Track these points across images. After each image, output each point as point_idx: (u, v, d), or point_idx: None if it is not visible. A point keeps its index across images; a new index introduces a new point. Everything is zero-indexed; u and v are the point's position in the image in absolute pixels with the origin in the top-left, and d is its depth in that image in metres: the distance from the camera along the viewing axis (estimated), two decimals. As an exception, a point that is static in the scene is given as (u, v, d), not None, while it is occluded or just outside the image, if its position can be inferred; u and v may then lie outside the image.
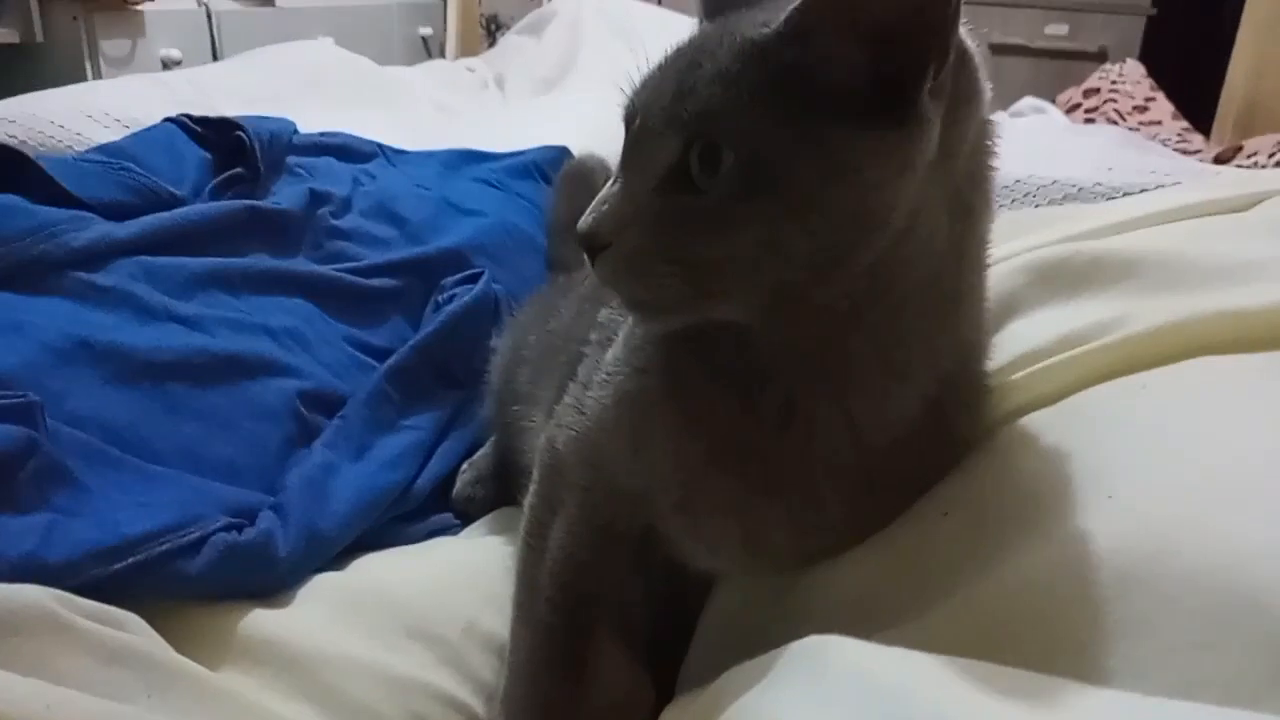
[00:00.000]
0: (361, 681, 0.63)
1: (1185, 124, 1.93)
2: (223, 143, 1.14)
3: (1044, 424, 0.53)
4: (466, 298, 1.01)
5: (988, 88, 0.49)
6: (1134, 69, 2.11)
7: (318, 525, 0.72)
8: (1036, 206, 1.04)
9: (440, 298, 1.04)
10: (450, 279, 1.06)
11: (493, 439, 0.92)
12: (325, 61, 1.94)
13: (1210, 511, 0.40)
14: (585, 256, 0.49)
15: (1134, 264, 0.61)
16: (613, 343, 0.59)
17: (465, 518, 0.88)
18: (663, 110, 0.46)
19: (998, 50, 2.86)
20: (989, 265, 0.54)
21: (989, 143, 0.51)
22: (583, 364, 0.62)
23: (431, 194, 1.23)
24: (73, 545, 0.59)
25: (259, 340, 0.87)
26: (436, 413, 0.92)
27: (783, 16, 0.44)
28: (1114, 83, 2.06)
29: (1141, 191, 1.00)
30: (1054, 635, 0.40)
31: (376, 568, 0.75)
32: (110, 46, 2.18)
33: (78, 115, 1.32)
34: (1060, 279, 0.64)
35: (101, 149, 1.08)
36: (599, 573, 0.60)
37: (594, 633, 0.60)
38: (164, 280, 0.87)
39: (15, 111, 1.30)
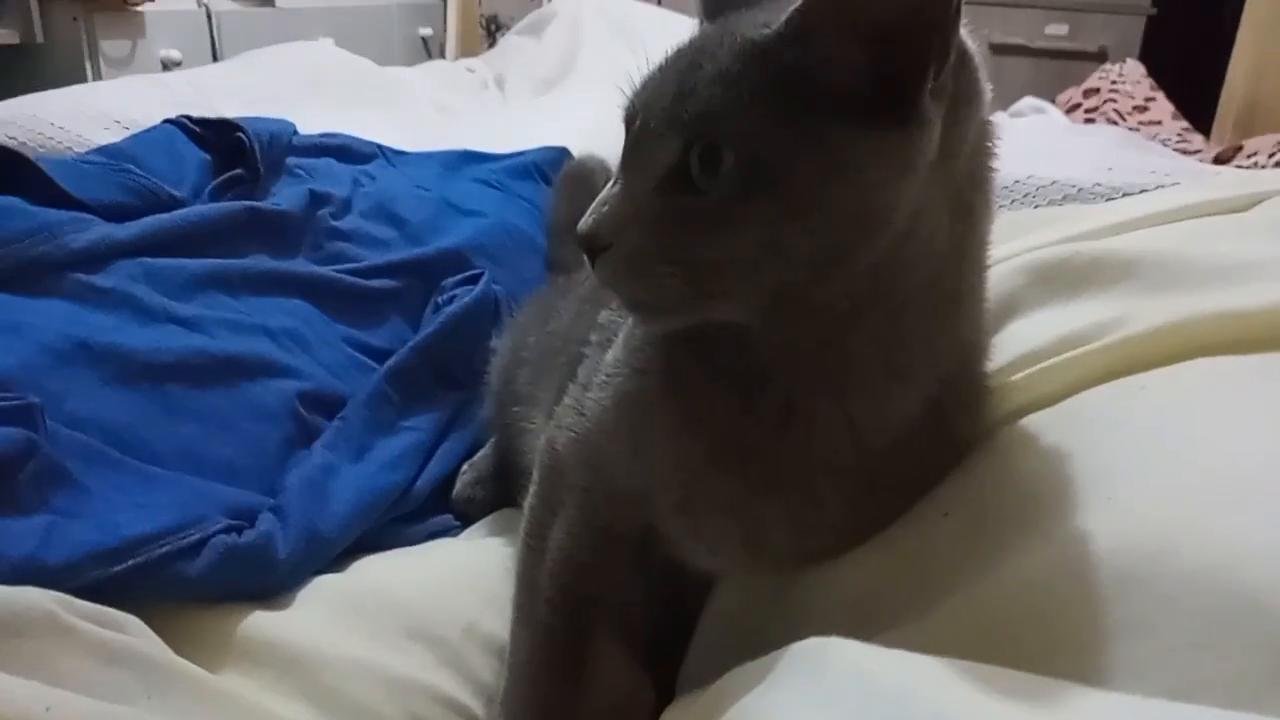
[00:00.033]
0: (362, 683, 0.63)
1: (1185, 124, 1.92)
2: (223, 144, 1.14)
3: (1044, 425, 0.53)
4: (466, 299, 1.01)
5: (988, 89, 0.49)
6: (1134, 69, 2.11)
7: (317, 527, 0.72)
8: (1036, 207, 1.04)
9: (440, 299, 1.04)
10: (450, 280, 1.06)
11: (493, 440, 0.92)
12: (325, 62, 1.94)
13: (1209, 512, 0.40)
14: (585, 258, 0.49)
15: (1133, 265, 0.61)
16: (612, 344, 0.59)
17: (465, 519, 0.88)
18: (663, 111, 0.46)
19: (998, 50, 2.86)
20: (989, 266, 0.54)
21: (989, 144, 0.51)
22: (582, 365, 0.62)
23: (431, 195, 1.23)
24: (72, 547, 0.59)
25: (259, 341, 0.87)
26: (436, 414, 0.92)
27: (783, 17, 0.44)
28: (1114, 83, 2.06)
29: (1141, 192, 1.00)
30: (1054, 636, 0.40)
31: (376, 569, 0.75)
32: (110, 47, 2.18)
33: (77, 116, 1.32)
34: (1060, 280, 0.64)
35: (101, 150, 1.08)
36: (599, 574, 0.60)
37: (594, 634, 0.60)
38: (164, 281, 0.87)
39: (15, 112, 1.30)
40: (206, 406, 0.78)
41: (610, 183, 0.49)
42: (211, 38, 2.42)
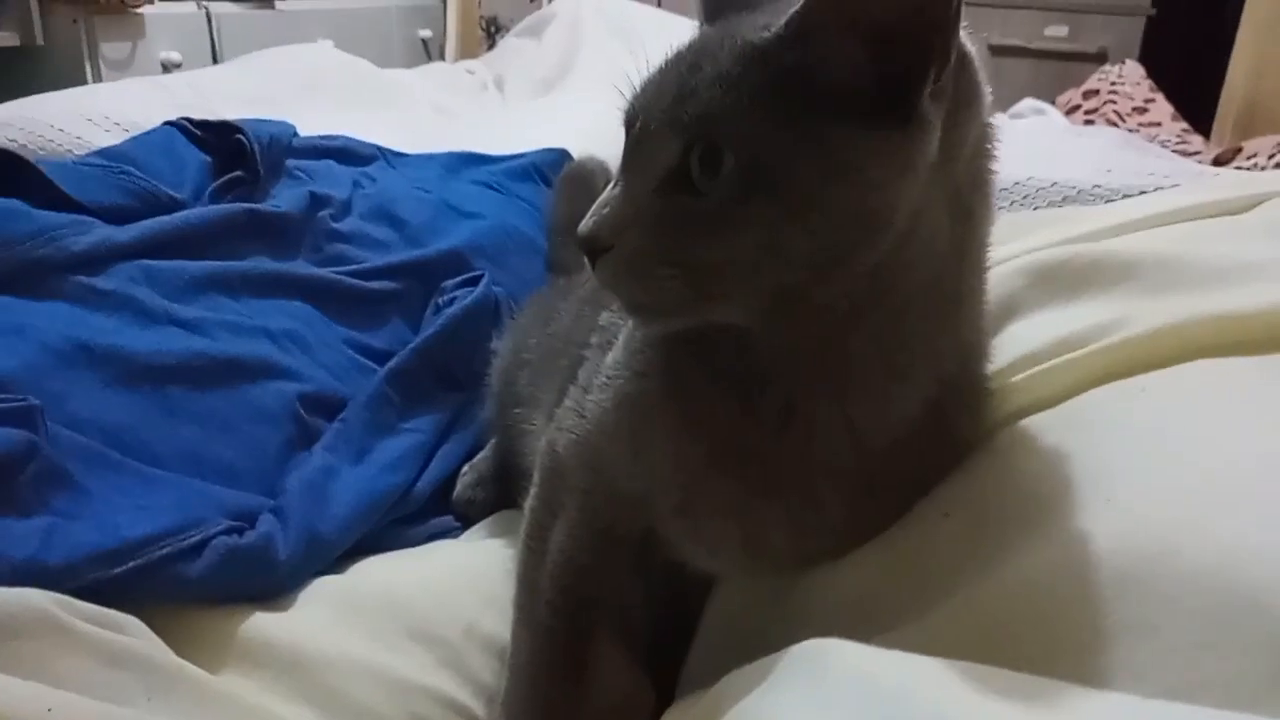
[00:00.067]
0: (362, 683, 0.63)
1: (1185, 125, 1.92)
2: (223, 146, 1.14)
3: (1044, 426, 0.53)
4: (467, 300, 1.01)
5: (988, 91, 0.50)
6: (1134, 70, 2.11)
7: (318, 528, 0.72)
8: (1036, 209, 1.04)
9: (440, 300, 1.04)
10: (450, 281, 1.06)
11: (493, 441, 0.92)
12: (325, 64, 1.94)
13: (1209, 513, 0.40)
14: (586, 259, 0.49)
15: (1133, 266, 0.61)
16: (613, 346, 0.59)
17: (466, 520, 0.88)
18: (663, 113, 0.46)
19: (997, 51, 2.86)
20: (989, 267, 0.54)
21: (989, 146, 0.51)
22: (583, 367, 0.62)
23: (431, 196, 1.23)
24: (73, 548, 0.59)
25: (259, 343, 0.87)
26: (437, 415, 0.92)
27: (784, 19, 0.44)
28: (1114, 84, 2.06)
29: (1141, 193, 1.00)
30: (1054, 636, 0.41)
31: (377, 570, 0.75)
32: (110, 49, 2.18)
33: (77, 118, 1.32)
34: (1059, 281, 0.65)
35: (101, 152, 1.08)
36: (599, 576, 0.60)
37: (594, 635, 0.60)
38: (164, 284, 0.87)
39: (15, 114, 1.30)
40: (207, 408, 0.79)
41: (610, 184, 0.49)
42: (211, 40, 2.42)
